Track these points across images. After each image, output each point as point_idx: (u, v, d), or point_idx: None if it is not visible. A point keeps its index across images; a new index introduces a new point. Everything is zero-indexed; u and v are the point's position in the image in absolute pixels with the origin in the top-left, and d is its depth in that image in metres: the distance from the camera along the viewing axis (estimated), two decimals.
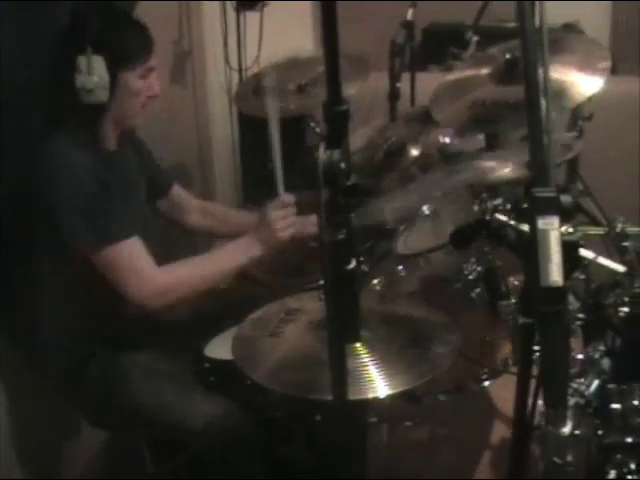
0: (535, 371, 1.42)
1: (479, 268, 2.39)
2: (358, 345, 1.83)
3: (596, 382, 2.06)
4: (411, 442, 2.77)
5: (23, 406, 2.57)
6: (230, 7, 3.92)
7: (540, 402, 1.38)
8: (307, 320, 2.03)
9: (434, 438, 2.82)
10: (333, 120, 1.40)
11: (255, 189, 4.10)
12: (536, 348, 1.40)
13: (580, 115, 2.89)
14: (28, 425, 2.62)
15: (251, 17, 3.96)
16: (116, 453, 2.93)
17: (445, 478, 2.64)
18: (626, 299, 2.11)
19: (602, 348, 2.13)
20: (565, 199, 1.25)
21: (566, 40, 2.53)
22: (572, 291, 2.08)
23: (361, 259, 2.59)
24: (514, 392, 1.49)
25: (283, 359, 1.91)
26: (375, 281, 2.47)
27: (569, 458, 1.80)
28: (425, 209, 2.60)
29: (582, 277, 2.19)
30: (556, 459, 1.77)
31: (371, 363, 1.81)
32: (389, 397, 1.78)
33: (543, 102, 1.30)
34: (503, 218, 1.91)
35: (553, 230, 1.21)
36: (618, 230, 2.22)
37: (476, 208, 2.12)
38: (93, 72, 2.20)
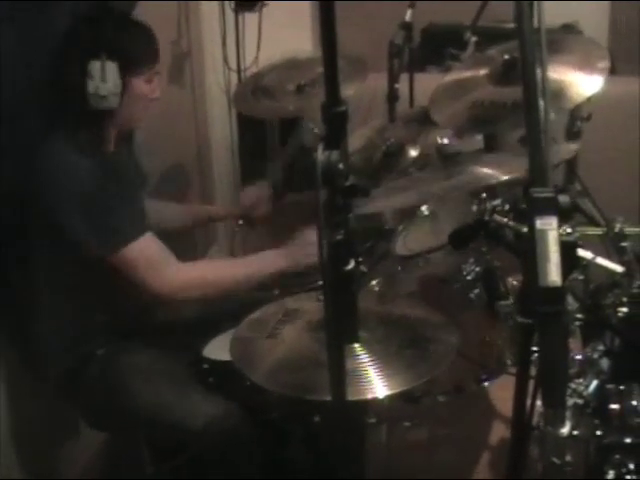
0: (534, 371, 1.42)
1: (478, 268, 2.39)
2: (357, 346, 1.83)
3: (595, 382, 2.07)
4: (410, 442, 2.77)
5: (23, 406, 2.57)
6: (229, 8, 3.92)
7: (539, 402, 1.39)
8: (305, 321, 2.02)
9: (433, 438, 2.82)
10: (331, 121, 1.40)
11: None
12: (535, 348, 1.40)
13: (579, 115, 2.89)
14: (28, 425, 2.61)
15: (250, 18, 3.96)
16: (115, 453, 2.92)
17: (444, 478, 2.65)
18: (625, 299, 2.12)
19: (601, 348, 2.13)
20: (563, 199, 1.25)
21: (564, 40, 2.53)
22: (571, 291, 2.08)
23: (360, 260, 2.59)
24: (513, 392, 1.49)
25: (282, 360, 1.91)
26: (374, 282, 2.47)
27: (568, 458, 1.80)
28: (424, 209, 2.60)
29: (581, 277, 2.19)
30: (555, 459, 1.77)
31: (370, 364, 1.80)
32: (388, 397, 1.78)
33: (541, 103, 1.30)
34: (502, 219, 1.91)
35: (551, 230, 1.22)
36: (617, 230, 2.22)
37: (475, 208, 2.12)
38: (107, 79, 2.20)
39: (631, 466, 1.93)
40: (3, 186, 2.33)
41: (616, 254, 2.21)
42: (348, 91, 2.85)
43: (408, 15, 3.19)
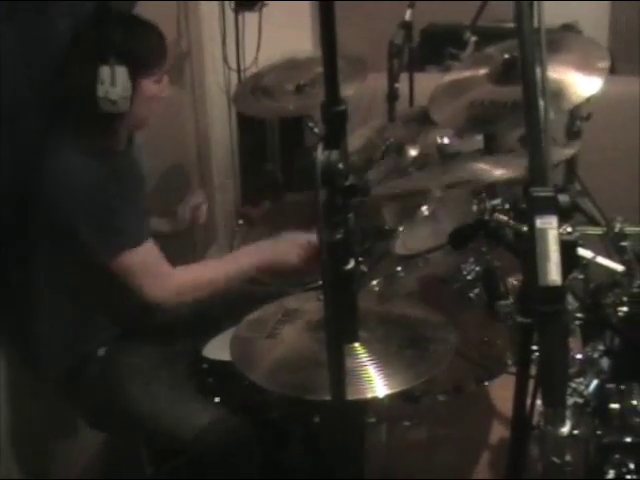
0: (534, 371, 1.42)
1: (477, 268, 2.40)
2: (356, 345, 1.83)
3: (595, 382, 2.07)
4: (410, 442, 2.77)
5: (23, 406, 2.57)
6: (228, 8, 3.92)
7: (539, 402, 1.38)
8: (305, 320, 2.02)
9: (433, 438, 2.82)
10: (331, 120, 1.40)
11: (254, 190, 4.11)
12: (535, 348, 1.40)
13: (578, 115, 2.89)
14: (28, 425, 2.61)
15: (249, 18, 3.96)
16: (115, 454, 2.93)
17: (444, 478, 2.65)
18: (625, 299, 2.12)
19: (601, 348, 2.13)
20: (563, 198, 1.25)
21: (564, 40, 2.53)
22: (571, 291, 2.08)
23: (360, 259, 2.59)
24: (513, 392, 1.49)
25: (281, 360, 1.91)
26: (374, 281, 2.47)
27: (568, 458, 1.80)
28: (424, 209, 2.61)
29: (581, 277, 2.19)
30: (555, 459, 1.77)
31: (369, 363, 1.80)
32: (388, 397, 1.78)
33: (541, 102, 1.30)
34: (502, 218, 1.91)
35: (551, 229, 1.22)
36: (617, 230, 2.22)
37: (475, 208, 2.12)
38: (117, 83, 2.19)
39: (631, 466, 1.94)
40: (2, 186, 2.33)
41: (616, 253, 2.21)
42: (348, 91, 2.85)
43: (408, 15, 3.19)
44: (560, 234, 1.23)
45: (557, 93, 2.27)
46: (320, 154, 1.37)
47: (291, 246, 2.46)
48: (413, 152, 2.97)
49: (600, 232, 2.30)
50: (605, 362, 2.10)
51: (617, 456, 1.95)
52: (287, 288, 2.59)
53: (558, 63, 2.33)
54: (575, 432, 1.93)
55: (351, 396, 1.62)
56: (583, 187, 3.06)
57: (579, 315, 2.11)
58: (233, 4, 3.89)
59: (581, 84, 2.31)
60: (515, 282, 2.29)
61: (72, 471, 2.82)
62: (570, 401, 2.01)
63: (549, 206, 1.23)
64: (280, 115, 3.67)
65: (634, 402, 1.95)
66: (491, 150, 2.64)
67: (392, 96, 3.18)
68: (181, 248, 3.11)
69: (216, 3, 3.92)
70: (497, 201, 2.08)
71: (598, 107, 2.75)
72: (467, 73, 2.67)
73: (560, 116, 2.78)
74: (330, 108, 1.39)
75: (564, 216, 1.24)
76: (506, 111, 2.34)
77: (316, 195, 1.39)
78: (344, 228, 1.47)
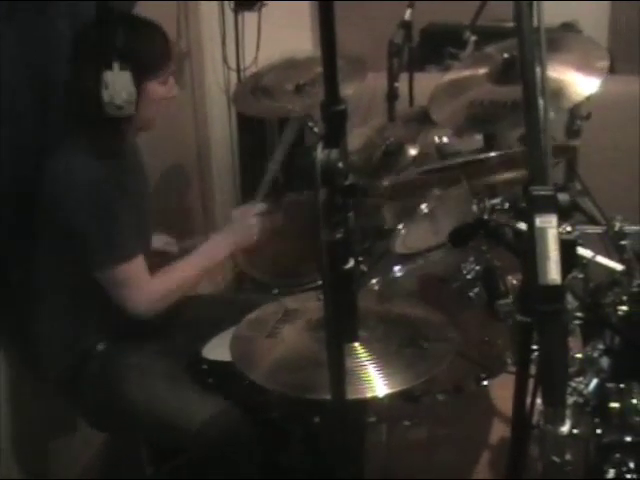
0: (534, 370, 1.42)
1: (477, 267, 2.40)
2: (356, 345, 1.83)
3: (595, 381, 2.06)
4: (410, 442, 2.77)
5: (23, 406, 2.57)
6: (228, 8, 3.92)
7: (539, 401, 1.38)
8: (305, 320, 2.03)
9: (433, 438, 2.82)
10: (331, 120, 1.40)
11: (254, 189, 4.10)
12: (535, 347, 1.40)
13: (578, 114, 2.89)
14: (28, 425, 2.61)
15: (249, 17, 3.96)
16: (115, 453, 2.93)
17: (444, 478, 2.65)
18: (624, 298, 2.12)
19: (601, 347, 2.13)
20: (562, 197, 1.25)
21: (564, 39, 2.54)
22: (571, 290, 2.08)
23: (360, 259, 2.59)
24: (513, 391, 1.49)
25: (281, 359, 1.91)
26: (373, 281, 2.47)
27: (568, 457, 1.79)
28: (423, 208, 2.60)
29: (581, 276, 2.19)
30: (555, 458, 1.77)
31: (369, 363, 1.81)
32: (388, 397, 1.78)
33: (541, 102, 1.30)
34: (501, 217, 1.92)
35: (551, 228, 1.22)
36: (616, 229, 2.22)
37: (474, 207, 2.12)
38: (121, 88, 2.19)
39: (631, 465, 1.93)
40: (2, 186, 2.33)
41: (616, 252, 2.21)
42: (348, 90, 2.85)
43: (407, 14, 3.19)
44: (560, 233, 1.23)
45: (557, 92, 2.27)
46: (320, 153, 1.37)
47: (245, 224, 2.60)
48: (413, 152, 2.97)
49: (600, 231, 2.30)
50: (605, 361, 2.10)
51: (617, 455, 1.95)
52: (286, 288, 2.60)
53: (558, 62, 2.33)
54: (575, 431, 1.92)
55: (351, 396, 1.62)
56: (583, 186, 3.06)
57: (579, 314, 2.11)
58: (232, 4, 3.89)
59: (580, 83, 2.31)
60: (515, 281, 2.29)
61: (72, 471, 2.82)
62: (570, 400, 2.01)
63: (549, 205, 1.23)
64: (280, 115, 3.67)
65: (634, 401, 1.95)
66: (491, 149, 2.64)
67: (392, 96, 3.18)
68: (180, 249, 3.11)
69: (216, 3, 3.92)
70: (497, 200, 2.09)
71: (598, 106, 2.76)
72: (467, 73, 2.67)
73: (560, 115, 2.79)
74: (330, 107, 1.39)
75: (564, 215, 1.24)
76: (506, 111, 2.34)
77: (316, 194, 1.39)
78: (344, 227, 1.47)
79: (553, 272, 1.20)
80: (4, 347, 2.48)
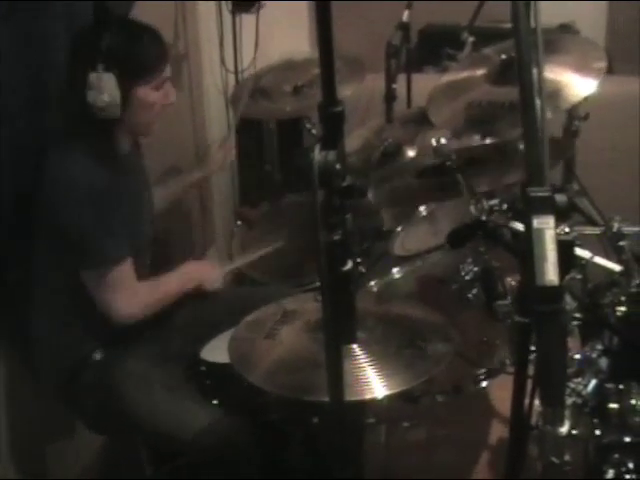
0: (533, 371, 1.42)
1: (476, 269, 2.40)
2: (355, 346, 1.83)
3: (594, 381, 2.07)
4: (409, 443, 2.77)
5: (22, 407, 2.57)
6: (226, 9, 3.92)
7: (537, 402, 1.39)
8: (304, 321, 2.02)
9: (432, 438, 2.82)
10: (328, 121, 1.40)
11: (252, 191, 4.11)
12: (533, 348, 1.40)
13: (576, 115, 2.89)
14: (27, 426, 2.61)
15: (247, 19, 3.95)
16: (114, 454, 2.92)
17: (443, 478, 2.65)
18: (623, 298, 2.12)
19: (599, 347, 2.13)
20: (560, 198, 1.25)
21: (561, 40, 2.54)
22: (569, 291, 2.08)
23: (358, 260, 2.59)
24: (511, 392, 1.49)
25: (280, 361, 1.91)
26: (372, 282, 2.47)
27: (567, 458, 1.79)
28: (422, 210, 2.61)
29: (579, 277, 2.19)
30: (554, 459, 1.77)
31: (368, 364, 1.80)
32: (386, 398, 1.78)
33: (538, 102, 1.30)
34: (499, 218, 1.92)
35: (548, 229, 1.22)
36: (614, 230, 2.22)
37: (472, 209, 2.12)
38: (104, 90, 2.20)
39: (630, 465, 1.93)
40: (1, 186, 2.33)
41: (614, 253, 2.21)
42: (346, 92, 2.86)
43: (405, 16, 3.20)
44: (557, 234, 1.23)
45: (554, 93, 2.27)
46: (317, 155, 1.37)
47: (214, 274, 2.66)
48: (411, 153, 2.98)
49: (598, 232, 2.30)
50: (604, 362, 2.10)
51: (616, 456, 1.95)
52: (286, 289, 2.60)
53: (555, 64, 2.34)
54: (574, 432, 1.92)
55: (350, 397, 1.62)
56: (581, 187, 3.06)
57: (577, 315, 2.11)
58: (230, 5, 3.89)
59: (578, 84, 2.31)
60: (513, 282, 2.29)
61: (71, 471, 2.82)
62: (569, 401, 2.01)
63: (546, 206, 1.23)
64: (278, 116, 3.68)
65: (633, 401, 1.95)
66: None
67: (390, 97, 3.18)
68: (180, 250, 3.11)
69: (213, 5, 3.92)
70: (495, 201, 2.09)
71: (596, 107, 2.76)
72: (464, 74, 2.67)
73: (558, 116, 2.79)
74: (327, 109, 1.39)
75: (561, 216, 1.24)
76: (504, 111, 2.34)
77: (314, 196, 1.39)
78: (342, 229, 1.47)
79: (551, 273, 1.20)
80: (3, 348, 2.48)
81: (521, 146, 2.11)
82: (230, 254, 3.19)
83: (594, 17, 4.54)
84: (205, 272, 2.64)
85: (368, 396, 1.75)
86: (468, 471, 2.72)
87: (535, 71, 1.30)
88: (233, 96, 3.58)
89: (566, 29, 3.91)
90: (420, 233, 2.60)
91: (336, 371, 1.49)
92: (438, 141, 2.45)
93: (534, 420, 1.58)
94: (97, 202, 2.23)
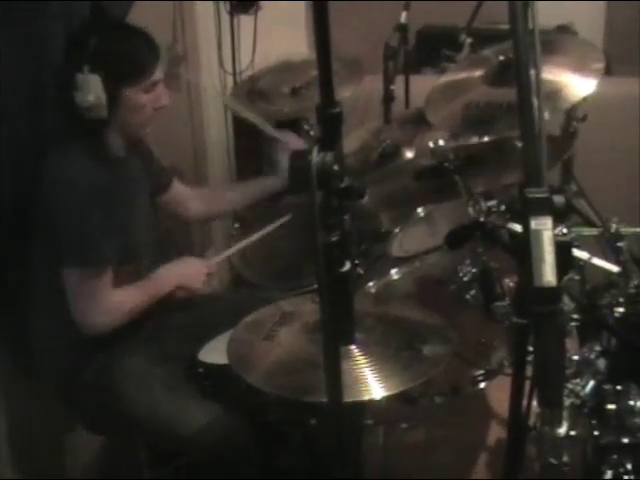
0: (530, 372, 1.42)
1: (474, 270, 2.39)
2: (353, 347, 1.83)
3: (592, 383, 2.07)
4: (407, 444, 2.77)
5: (21, 407, 2.57)
6: (224, 11, 3.92)
7: (535, 403, 1.39)
8: (302, 323, 2.02)
9: (430, 440, 2.82)
10: (326, 122, 1.40)
11: None
12: (531, 349, 1.40)
13: (574, 116, 2.89)
14: (26, 426, 2.61)
15: (245, 20, 3.96)
16: (114, 455, 2.92)
17: (441, 479, 2.65)
18: (621, 299, 2.12)
19: (598, 349, 2.13)
20: (558, 199, 1.25)
21: (559, 41, 2.54)
22: (567, 292, 2.08)
23: (356, 261, 2.59)
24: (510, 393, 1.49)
25: (278, 362, 1.91)
26: (370, 283, 2.47)
27: (565, 459, 1.80)
28: (420, 211, 2.61)
29: (577, 278, 2.19)
30: (552, 460, 1.77)
31: (366, 365, 1.80)
32: (385, 399, 1.77)
33: (536, 103, 1.30)
34: (498, 219, 1.91)
35: (546, 230, 1.22)
36: (612, 231, 2.22)
37: (470, 210, 2.12)
38: (90, 91, 2.21)
39: (629, 466, 1.94)
40: (1, 186, 2.34)
41: (612, 254, 2.21)
42: (344, 93, 2.86)
43: (403, 17, 3.20)
44: (555, 235, 1.23)
45: (553, 94, 2.27)
46: (315, 156, 1.37)
47: (197, 273, 2.58)
48: (409, 154, 2.98)
49: (596, 233, 2.29)
50: (602, 363, 2.10)
51: (614, 457, 1.95)
52: (284, 291, 2.60)
53: (554, 64, 2.33)
54: (572, 433, 1.93)
55: (348, 398, 1.62)
56: (579, 188, 3.06)
57: (576, 316, 2.11)
58: (228, 6, 3.89)
59: (577, 85, 2.31)
60: (511, 283, 2.29)
61: (71, 472, 2.82)
62: (567, 402, 2.01)
63: (544, 207, 1.23)
64: (276, 118, 3.67)
65: (631, 402, 1.95)
66: None
67: (388, 98, 3.18)
68: (179, 251, 3.11)
69: (211, 6, 3.92)
70: (493, 202, 2.08)
71: (594, 108, 2.75)
72: (462, 75, 2.67)
73: (556, 117, 2.78)
74: (325, 110, 1.40)
75: (559, 217, 1.24)
76: (502, 112, 2.34)
77: (312, 197, 1.39)
78: (340, 230, 1.47)
79: (548, 274, 1.20)
80: (3, 347, 2.48)
81: (519, 144, 2.11)
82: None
83: (592, 18, 4.54)
84: (186, 271, 2.57)
85: (366, 397, 1.75)
86: (466, 472, 2.72)
87: (533, 72, 1.30)
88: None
89: (564, 30, 3.92)
90: (418, 234, 2.60)
91: (334, 372, 1.49)
92: (436, 142, 2.45)
93: (532, 421, 1.58)
94: (86, 201, 2.23)
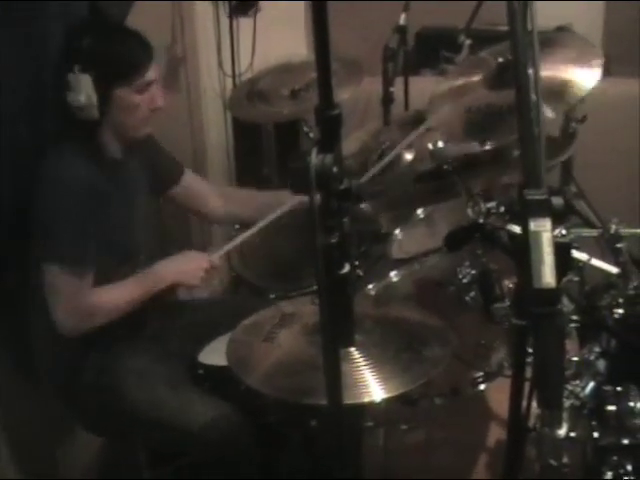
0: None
1: (473, 271, 2.39)
2: (353, 349, 1.83)
3: (591, 384, 2.07)
4: (407, 445, 2.77)
5: (21, 407, 2.57)
6: (223, 13, 3.92)
7: (535, 404, 1.39)
8: (301, 325, 2.02)
9: (430, 441, 2.82)
10: (325, 124, 1.40)
11: None
12: (530, 350, 1.40)
13: (574, 117, 2.89)
14: (26, 427, 2.61)
15: (244, 22, 3.96)
16: (113, 455, 2.92)
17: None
18: (620, 300, 2.12)
19: (597, 350, 2.13)
20: (556, 201, 1.25)
21: (558, 38, 2.53)
22: (567, 293, 2.08)
23: (356, 263, 2.59)
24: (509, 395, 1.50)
25: (278, 364, 1.91)
26: (370, 285, 2.47)
27: (565, 460, 1.80)
28: (419, 213, 2.60)
29: (576, 279, 2.19)
30: (552, 461, 1.77)
31: (366, 367, 1.80)
32: (385, 401, 1.78)
33: (536, 103, 1.30)
34: (497, 221, 1.92)
35: (545, 232, 1.22)
36: (612, 232, 2.22)
37: (470, 211, 2.12)
38: (80, 91, 2.22)
39: (629, 467, 1.93)
40: (1, 186, 2.35)
41: (611, 255, 2.21)
42: (343, 95, 2.86)
43: (402, 19, 3.20)
44: (554, 236, 1.23)
45: (557, 90, 2.26)
46: (314, 158, 1.37)
47: (195, 269, 2.49)
48: (409, 156, 2.97)
49: (596, 234, 2.29)
50: (601, 364, 2.10)
51: (614, 458, 1.95)
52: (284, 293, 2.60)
53: (554, 61, 2.32)
54: (572, 434, 1.92)
55: (348, 400, 1.62)
56: (579, 189, 3.06)
57: (575, 317, 2.11)
58: (228, 8, 3.89)
59: (580, 77, 2.29)
60: (511, 285, 2.28)
61: (71, 472, 2.82)
62: (567, 403, 2.01)
63: (543, 209, 1.23)
64: (275, 120, 3.67)
65: (631, 404, 1.95)
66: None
67: (387, 100, 3.19)
68: (178, 252, 3.11)
69: (211, 8, 3.92)
70: (492, 204, 2.08)
71: (593, 109, 2.76)
72: (462, 79, 2.67)
73: (559, 116, 2.78)
74: (324, 112, 1.39)
75: (558, 218, 1.24)
76: (503, 115, 2.34)
77: (311, 199, 1.39)
78: (339, 232, 1.47)
79: (547, 275, 1.20)
80: (3, 348, 2.48)
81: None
82: (228, 256, 3.19)
83: (591, 19, 4.53)
84: (183, 268, 2.50)
85: (366, 399, 1.75)
86: (467, 473, 2.72)
87: (532, 72, 1.30)
88: (230, 100, 3.58)
89: (563, 31, 3.91)
90: (418, 236, 2.60)
91: (334, 374, 1.49)
92: (435, 144, 2.45)
93: (532, 422, 1.58)
94: (72, 200, 2.24)
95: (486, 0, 3.18)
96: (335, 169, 1.38)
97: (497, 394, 2.76)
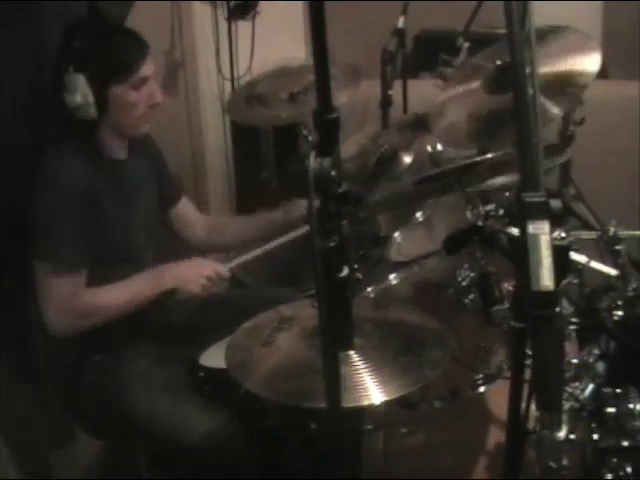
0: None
1: (472, 274, 2.39)
2: (352, 352, 1.83)
3: (591, 386, 2.06)
4: (407, 448, 2.77)
5: (21, 410, 2.57)
6: (222, 16, 3.92)
7: (534, 406, 1.39)
8: (301, 328, 2.02)
9: (430, 444, 2.82)
10: (324, 128, 1.40)
11: (249, 198, 4.11)
12: (530, 352, 1.40)
13: (572, 119, 2.89)
14: (26, 426, 2.61)
15: (243, 26, 3.96)
16: (113, 457, 2.92)
17: None
18: (620, 302, 2.12)
19: (596, 352, 2.13)
20: (555, 204, 1.25)
21: (551, 32, 2.52)
22: (566, 295, 2.08)
23: (355, 266, 2.59)
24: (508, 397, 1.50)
25: (277, 367, 1.91)
26: (369, 288, 2.47)
27: (565, 462, 1.80)
28: (418, 215, 2.61)
29: (576, 281, 2.19)
30: (552, 463, 1.77)
31: (365, 370, 1.80)
32: (384, 404, 1.78)
33: (535, 103, 1.30)
34: (496, 223, 1.92)
35: (543, 234, 1.22)
36: (611, 234, 2.22)
37: (469, 214, 2.12)
38: (76, 91, 2.23)
39: (628, 469, 1.93)
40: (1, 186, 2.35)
41: (610, 257, 2.21)
42: (342, 98, 2.86)
43: (401, 22, 3.20)
44: (553, 239, 1.23)
45: (561, 82, 2.24)
46: (313, 161, 1.37)
47: (197, 275, 2.48)
48: (407, 159, 2.97)
49: (594, 236, 2.29)
50: (601, 366, 2.10)
51: (614, 460, 1.95)
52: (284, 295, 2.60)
53: (552, 54, 2.32)
54: (572, 436, 1.92)
55: (348, 403, 1.62)
56: (577, 191, 3.06)
57: (574, 319, 2.11)
58: (226, 12, 3.89)
59: (581, 65, 2.28)
60: (510, 287, 2.29)
61: (71, 472, 2.82)
62: (566, 405, 2.01)
63: (541, 211, 1.23)
64: (274, 123, 3.67)
65: (630, 406, 1.95)
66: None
67: (386, 103, 3.19)
68: (178, 255, 3.11)
69: (209, 12, 3.92)
70: (491, 206, 2.08)
71: (592, 111, 2.76)
72: (462, 87, 2.66)
73: (558, 116, 2.78)
74: (323, 115, 1.40)
75: (557, 221, 1.25)
76: (504, 120, 2.33)
77: (309, 202, 1.39)
78: (338, 235, 1.47)
79: (546, 278, 1.20)
80: (3, 349, 2.48)
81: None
82: (227, 260, 3.19)
83: (589, 20, 4.53)
84: (185, 273, 2.49)
85: (366, 402, 1.75)
86: (466, 475, 2.72)
87: (530, 72, 1.30)
88: (229, 103, 3.58)
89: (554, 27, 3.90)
90: (417, 239, 2.60)
91: (333, 377, 1.49)
92: (434, 147, 2.45)
93: (531, 425, 1.58)
94: (65, 200, 2.24)
95: (485, 0, 3.18)
96: (333, 172, 1.38)
97: (496, 396, 2.77)
